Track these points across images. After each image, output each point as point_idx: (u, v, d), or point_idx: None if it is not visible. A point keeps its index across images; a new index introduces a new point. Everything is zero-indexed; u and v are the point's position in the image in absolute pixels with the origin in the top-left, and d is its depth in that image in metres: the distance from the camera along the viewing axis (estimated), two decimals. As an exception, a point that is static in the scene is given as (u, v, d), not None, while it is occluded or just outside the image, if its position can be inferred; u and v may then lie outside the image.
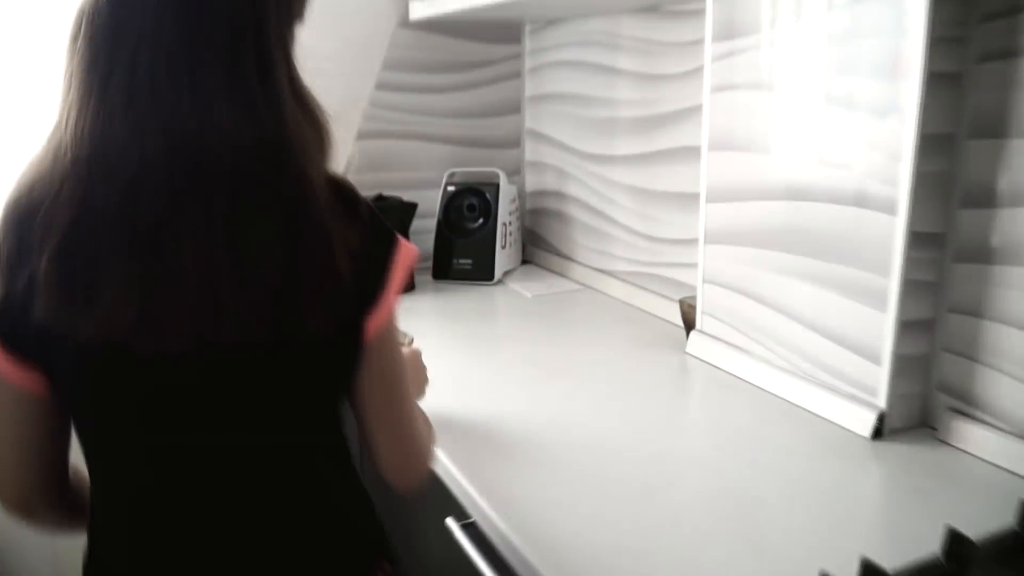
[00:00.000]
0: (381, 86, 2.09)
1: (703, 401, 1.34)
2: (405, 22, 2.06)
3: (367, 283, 0.76)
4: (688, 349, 1.51)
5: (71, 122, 0.66)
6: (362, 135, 2.09)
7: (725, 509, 0.97)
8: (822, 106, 1.19)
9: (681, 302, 1.57)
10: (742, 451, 1.12)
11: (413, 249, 0.81)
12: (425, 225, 2.10)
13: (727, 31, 1.35)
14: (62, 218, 0.66)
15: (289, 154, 0.70)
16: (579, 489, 1.02)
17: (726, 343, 1.43)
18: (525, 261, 2.28)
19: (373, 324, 0.77)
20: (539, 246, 2.26)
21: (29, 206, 0.68)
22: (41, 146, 0.70)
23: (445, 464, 1.09)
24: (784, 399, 1.28)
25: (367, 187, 2.11)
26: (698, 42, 1.55)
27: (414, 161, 2.17)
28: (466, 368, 1.46)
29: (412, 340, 1.46)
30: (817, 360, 1.24)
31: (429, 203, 2.11)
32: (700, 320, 1.49)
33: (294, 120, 0.72)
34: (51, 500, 0.83)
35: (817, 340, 1.24)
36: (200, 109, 0.67)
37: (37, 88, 1.65)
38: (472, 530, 1.04)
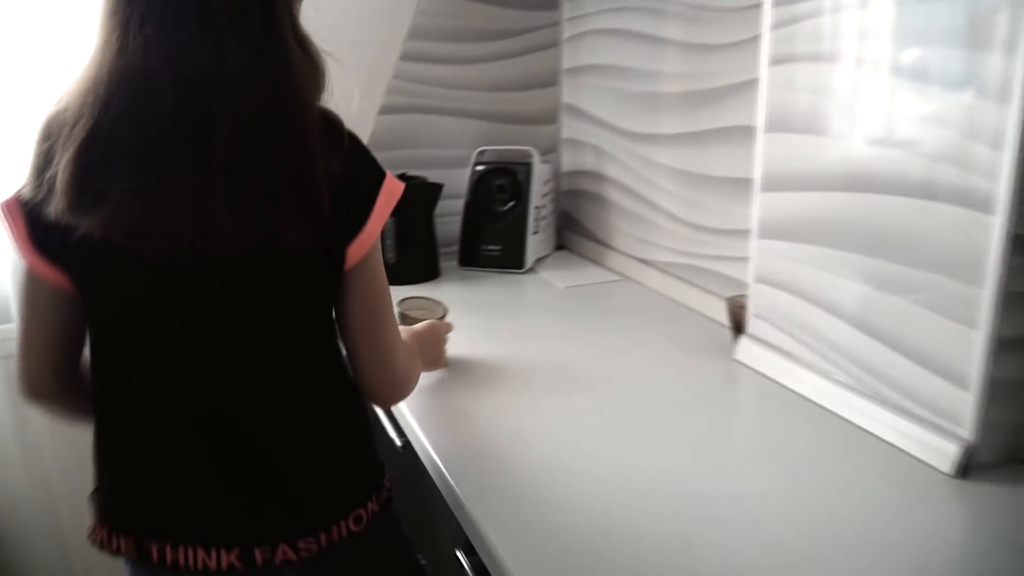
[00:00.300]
0: (407, 57, 1.94)
1: (753, 421, 1.18)
2: (432, -14, 1.91)
3: (348, 210, 0.83)
4: (736, 355, 1.34)
5: (97, 58, 0.76)
6: (385, 110, 1.95)
7: (776, 564, 0.82)
8: (900, 82, 1.00)
9: (729, 301, 1.40)
10: (799, 488, 0.96)
11: (399, 184, 0.88)
12: (451, 207, 1.96)
13: (791, -6, 1.17)
14: (81, 131, 0.75)
15: (288, 90, 0.78)
16: (605, 532, 0.87)
17: (781, 352, 1.26)
18: (559, 247, 2.12)
19: (354, 251, 0.84)
20: (574, 231, 2.10)
21: (59, 122, 0.77)
22: (77, 76, 0.78)
23: (452, 487, 0.95)
24: (849, 422, 1.11)
25: (390, 166, 1.94)
26: (754, 7, 1.36)
27: (441, 138, 2.02)
28: (486, 370, 1.31)
29: (446, 313, 1.40)
30: (890, 379, 1.07)
31: (456, 183, 1.96)
32: (751, 323, 1.33)
33: (297, 61, 0.80)
34: (64, 387, 0.92)
35: (891, 356, 1.06)
36: (210, 52, 0.75)
37: (36, 88, 1.58)
38: (482, 569, 0.90)
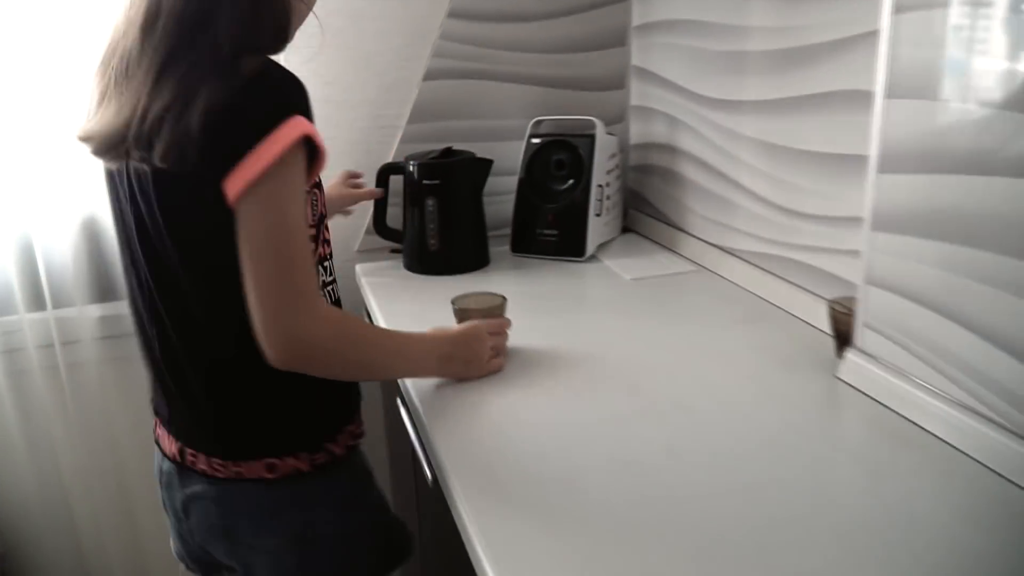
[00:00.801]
0: (454, 14, 1.71)
1: (863, 462, 0.93)
2: (483, -67, 1.67)
3: (228, 141, 0.84)
4: (840, 373, 1.10)
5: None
6: (430, 75, 1.73)
7: None
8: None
9: (831, 305, 1.15)
10: (925, 559, 0.72)
11: (293, 134, 0.85)
12: (503, 185, 1.74)
13: (927, -82, 0.90)
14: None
15: (210, 33, 0.85)
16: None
17: (899, 372, 1.01)
18: (625, 229, 1.88)
19: (231, 184, 0.84)
20: (643, 212, 1.86)
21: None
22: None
23: (477, 553, 0.75)
24: (992, 470, 0.87)
25: (435, 138, 1.75)
26: (873, -59, 1.10)
27: (492, 107, 1.79)
28: (535, 381, 1.10)
29: (503, 304, 1.23)
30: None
31: (509, 158, 1.73)
32: (860, 334, 1.08)
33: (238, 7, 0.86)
34: None
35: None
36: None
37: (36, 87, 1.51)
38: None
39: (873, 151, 1.01)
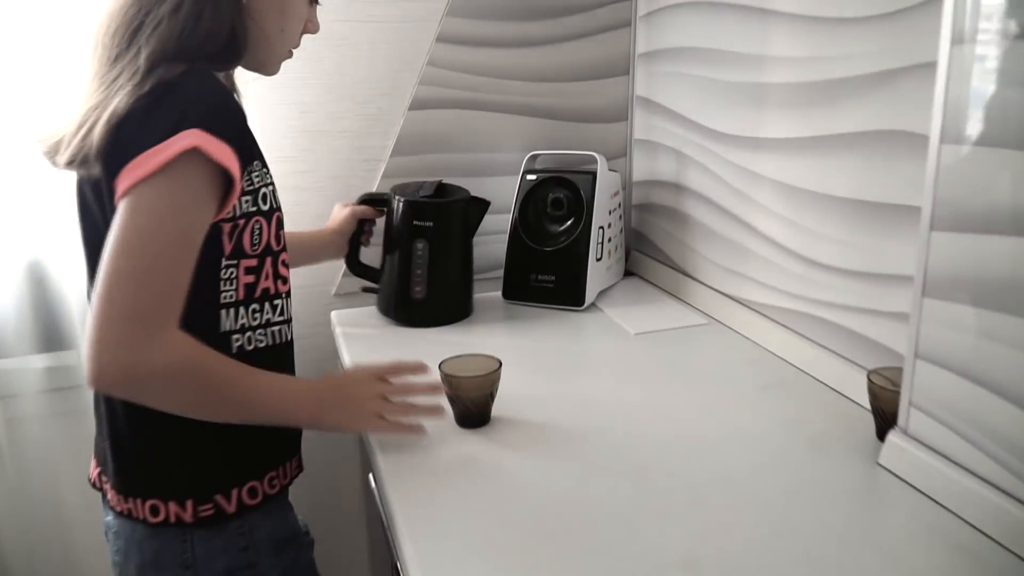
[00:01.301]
0: (444, 39, 1.57)
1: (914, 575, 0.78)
2: (476, -49, 1.54)
3: (118, 145, 0.81)
4: (883, 459, 0.95)
5: None
6: (417, 104, 1.58)
7: None
8: None
9: (870, 377, 1.00)
10: None
11: (188, 140, 0.79)
12: (494, 224, 1.58)
13: (997, -66, 0.76)
14: None
15: (137, 43, 0.84)
16: None
17: (953, 463, 0.86)
18: (628, 273, 1.73)
19: (120, 188, 0.80)
20: (647, 253, 1.71)
21: None
22: None
23: None
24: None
25: (422, 171, 1.60)
26: (920, -38, 0.96)
27: (484, 139, 1.65)
28: (522, 460, 0.94)
29: (498, 369, 1.05)
30: None
31: (501, 196, 1.59)
32: (906, 414, 0.93)
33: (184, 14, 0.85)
34: None
35: None
36: None
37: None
38: None
39: (926, 204, 0.87)
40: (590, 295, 1.49)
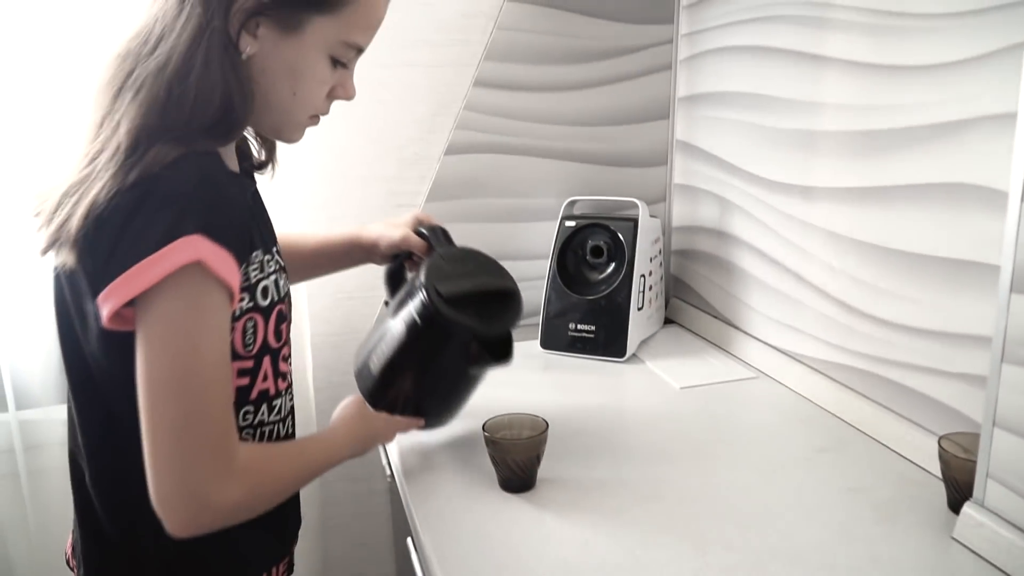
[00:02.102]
0: (481, 82, 1.54)
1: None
2: (516, -6, 1.51)
3: (100, 248, 0.73)
4: (957, 533, 0.89)
5: None
6: (453, 148, 1.56)
7: None
8: None
9: (942, 444, 0.94)
10: None
11: (189, 252, 0.70)
12: (532, 269, 1.55)
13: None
14: None
15: (117, 110, 0.76)
16: None
17: (1043, 544, 0.80)
18: (667, 320, 1.68)
19: (103, 303, 0.72)
20: (688, 301, 1.66)
21: None
22: None
23: None
24: None
25: (459, 217, 1.57)
26: (991, 9, 0.92)
27: (521, 184, 1.61)
28: (566, 525, 0.89)
29: (546, 430, 1.00)
30: None
31: (540, 242, 1.55)
32: (983, 487, 0.87)
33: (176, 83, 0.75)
34: None
35: None
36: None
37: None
38: None
39: (1006, 264, 0.82)
40: (632, 346, 1.45)
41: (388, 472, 1.24)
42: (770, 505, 0.97)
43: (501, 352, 1.04)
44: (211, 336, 0.74)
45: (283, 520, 0.95)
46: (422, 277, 1.00)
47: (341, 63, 0.86)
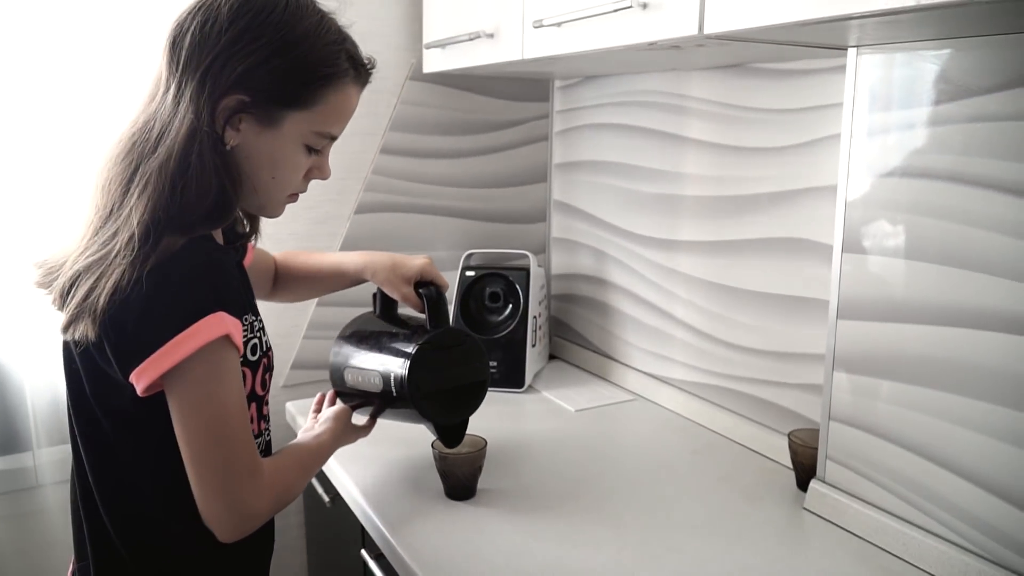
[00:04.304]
0: (387, 150, 1.74)
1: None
2: (418, 74, 1.73)
3: (125, 328, 0.84)
4: (807, 504, 1.16)
5: None
6: (362, 208, 1.74)
7: None
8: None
9: (791, 438, 1.23)
10: None
11: (217, 329, 0.84)
12: (437, 316, 1.74)
13: (877, 100, 1.03)
14: None
15: (128, 202, 0.86)
16: None
17: (866, 503, 1.09)
18: (551, 356, 1.92)
19: (139, 379, 0.84)
20: (569, 339, 1.91)
21: None
22: None
23: None
24: (976, 598, 0.94)
25: (368, 271, 1.74)
26: (813, 109, 1.23)
27: (422, 239, 1.82)
28: (495, 533, 1.09)
29: (485, 446, 1.21)
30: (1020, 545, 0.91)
31: (442, 290, 1.75)
32: (823, 466, 1.16)
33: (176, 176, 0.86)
34: None
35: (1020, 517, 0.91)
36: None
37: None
38: None
39: (833, 299, 1.11)
40: (529, 378, 1.67)
41: (327, 497, 1.39)
42: (663, 494, 1.21)
43: (454, 433, 1.20)
44: (234, 391, 0.89)
45: (265, 542, 1.08)
46: (406, 367, 1.11)
47: (316, 150, 0.98)
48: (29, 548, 1.51)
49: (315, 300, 1.71)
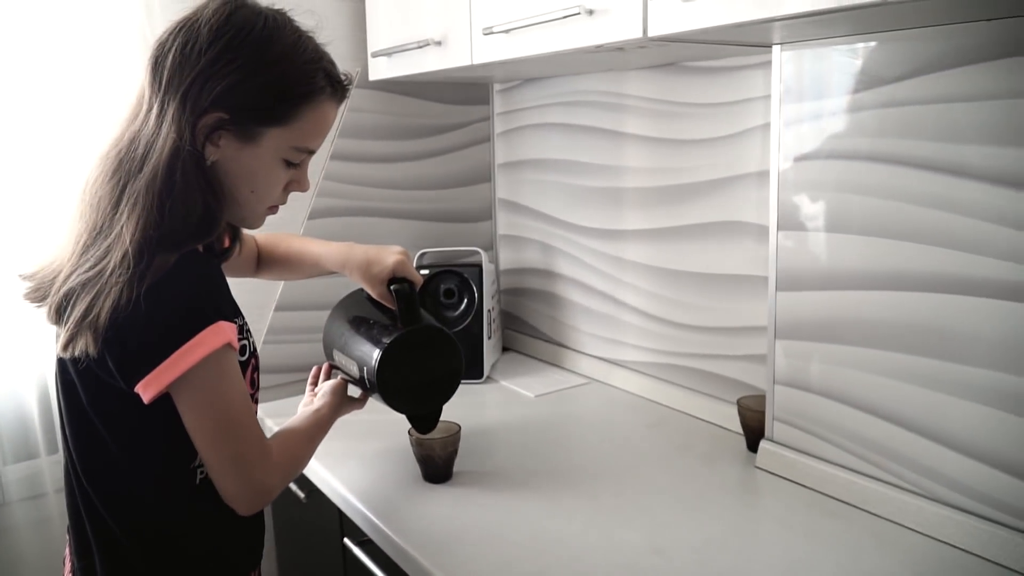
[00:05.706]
0: (336, 156, 1.80)
1: (809, 541, 1.09)
2: (363, 82, 1.79)
3: (127, 344, 0.88)
4: (758, 463, 1.27)
5: None
6: (315, 214, 1.79)
7: None
8: (934, 176, 0.99)
9: (740, 404, 1.33)
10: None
11: (219, 338, 0.90)
12: (394, 315, 1.80)
13: (800, 91, 1.15)
14: None
15: (119, 220, 0.89)
16: None
17: (812, 456, 1.20)
18: (505, 348, 2.00)
19: (146, 390, 0.89)
20: (520, 331, 1.99)
21: None
22: None
23: None
24: (904, 526, 1.06)
25: (324, 274, 1.79)
26: (741, 102, 1.34)
27: (375, 241, 1.84)
28: (473, 510, 1.17)
29: (459, 431, 1.29)
30: (945, 477, 1.03)
31: (398, 290, 1.80)
32: (771, 427, 1.26)
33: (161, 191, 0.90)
34: None
35: (950, 456, 1.03)
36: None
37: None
38: None
39: (771, 273, 1.22)
40: (487, 368, 1.75)
41: (302, 494, 1.43)
42: (628, 463, 1.31)
43: (427, 421, 1.27)
44: (237, 387, 0.95)
45: (257, 533, 1.13)
46: (376, 363, 1.15)
47: (294, 164, 1.00)
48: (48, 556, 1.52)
49: (273, 306, 1.75)
